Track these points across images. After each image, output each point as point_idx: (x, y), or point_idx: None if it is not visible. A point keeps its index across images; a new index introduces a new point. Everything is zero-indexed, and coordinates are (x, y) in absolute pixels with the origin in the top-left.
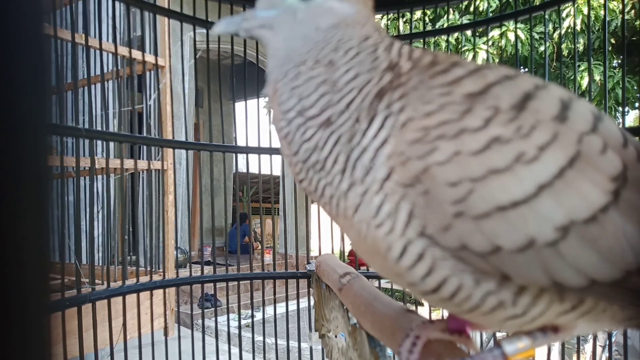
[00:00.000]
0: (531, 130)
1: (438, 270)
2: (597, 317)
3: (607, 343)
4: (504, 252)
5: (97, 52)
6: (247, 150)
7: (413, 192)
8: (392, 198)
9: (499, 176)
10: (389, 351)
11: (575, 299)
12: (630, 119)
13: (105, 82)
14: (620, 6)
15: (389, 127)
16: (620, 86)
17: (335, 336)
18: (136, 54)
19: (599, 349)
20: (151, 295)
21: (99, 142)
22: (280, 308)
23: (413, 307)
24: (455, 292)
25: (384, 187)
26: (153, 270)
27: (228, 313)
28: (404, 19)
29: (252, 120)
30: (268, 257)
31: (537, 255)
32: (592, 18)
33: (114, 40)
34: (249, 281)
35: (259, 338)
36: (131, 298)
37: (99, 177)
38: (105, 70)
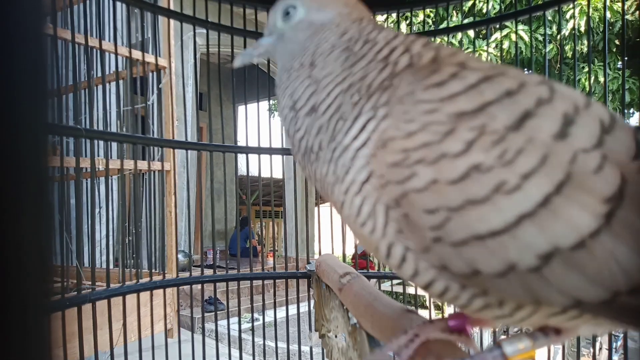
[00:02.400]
0: (516, 155)
1: (423, 273)
2: (596, 321)
3: (613, 346)
4: (483, 275)
5: (99, 54)
6: (247, 150)
7: (394, 214)
8: (370, 201)
9: (477, 206)
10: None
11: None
12: (636, 120)
13: (108, 84)
14: (625, 6)
15: (369, 130)
16: (626, 87)
17: (336, 336)
18: (138, 55)
19: (605, 352)
20: (151, 295)
21: (102, 144)
22: (281, 312)
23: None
24: (443, 292)
25: (362, 190)
26: (156, 271)
27: (228, 317)
28: (407, 21)
29: (254, 123)
30: (271, 261)
31: (518, 278)
32: (597, 19)
33: (114, 42)
34: (249, 283)
35: (260, 341)
36: (132, 301)
37: (102, 178)
38: (107, 72)
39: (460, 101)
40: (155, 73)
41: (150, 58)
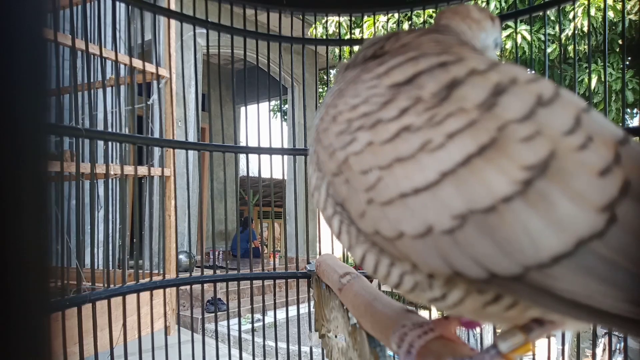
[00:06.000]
0: (445, 118)
1: (357, 245)
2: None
3: (618, 347)
4: (406, 238)
5: (99, 60)
6: (247, 150)
7: (338, 180)
8: (316, 174)
9: (404, 164)
10: (389, 351)
11: (494, 292)
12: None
13: (108, 88)
14: (628, 7)
15: (325, 105)
16: (629, 87)
17: (336, 336)
18: (138, 64)
19: (604, 351)
20: (151, 295)
21: (102, 145)
22: (281, 313)
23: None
24: (375, 268)
25: (312, 160)
26: (156, 272)
27: (228, 317)
28: (411, 22)
29: (258, 124)
30: (273, 261)
31: (435, 242)
32: (600, 19)
33: (115, 48)
34: (249, 283)
35: (260, 341)
36: (132, 303)
37: (111, 180)
38: (108, 75)
39: (394, 73)
40: (156, 82)
41: (151, 67)
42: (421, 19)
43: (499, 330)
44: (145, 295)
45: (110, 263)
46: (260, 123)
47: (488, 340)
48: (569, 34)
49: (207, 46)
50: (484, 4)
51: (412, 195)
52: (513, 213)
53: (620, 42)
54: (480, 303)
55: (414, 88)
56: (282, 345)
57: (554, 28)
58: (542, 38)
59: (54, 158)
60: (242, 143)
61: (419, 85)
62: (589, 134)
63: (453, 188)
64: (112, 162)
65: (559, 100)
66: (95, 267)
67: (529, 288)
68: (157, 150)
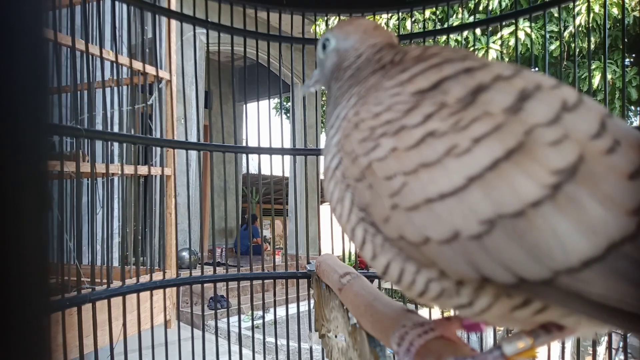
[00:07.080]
0: (470, 122)
1: (381, 254)
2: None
3: (619, 345)
4: (432, 243)
5: (100, 61)
6: (247, 150)
7: (361, 185)
8: (340, 187)
9: (429, 169)
10: (389, 351)
11: (523, 296)
12: None
13: (109, 88)
14: (632, 3)
15: (341, 118)
16: (633, 85)
17: (335, 336)
18: (139, 66)
19: (606, 349)
20: (151, 295)
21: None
22: (281, 311)
23: (413, 307)
24: (399, 277)
25: (334, 175)
26: (157, 268)
27: (228, 315)
28: (413, 19)
29: (258, 122)
30: (276, 259)
31: (462, 248)
32: (602, 16)
33: (115, 49)
34: (249, 282)
35: (260, 338)
36: (132, 299)
37: (110, 179)
38: (108, 76)
39: (418, 80)
40: (157, 83)
41: (151, 69)
42: (422, 16)
43: (499, 331)
44: (145, 293)
45: (111, 260)
46: (260, 121)
47: (489, 340)
48: (572, 31)
49: (207, 43)
50: (489, 1)
51: (438, 200)
52: (542, 218)
53: (625, 39)
54: (509, 307)
55: (439, 94)
56: (282, 341)
57: (557, 25)
58: (547, 35)
59: (59, 158)
60: (244, 140)
61: (443, 91)
62: (615, 137)
63: (480, 193)
64: (111, 162)
65: (583, 105)
66: (96, 264)
67: (558, 292)
68: (158, 149)
